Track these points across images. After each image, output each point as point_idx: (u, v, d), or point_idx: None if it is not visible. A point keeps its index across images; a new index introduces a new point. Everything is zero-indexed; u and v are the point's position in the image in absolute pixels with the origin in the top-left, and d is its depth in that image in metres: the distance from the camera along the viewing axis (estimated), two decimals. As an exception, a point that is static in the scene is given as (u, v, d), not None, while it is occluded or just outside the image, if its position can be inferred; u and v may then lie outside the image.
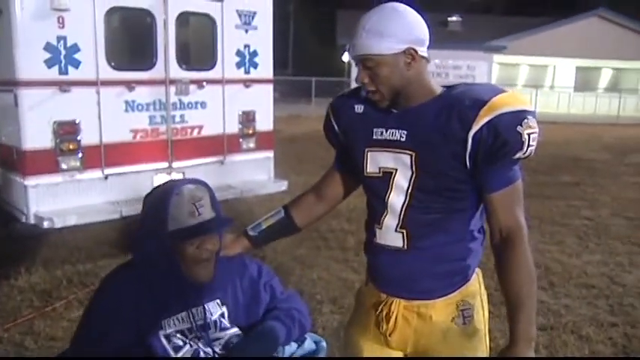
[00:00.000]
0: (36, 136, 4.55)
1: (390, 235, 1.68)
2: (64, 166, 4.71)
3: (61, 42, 4.56)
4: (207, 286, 1.71)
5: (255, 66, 5.93)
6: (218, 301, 1.76)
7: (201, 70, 5.55)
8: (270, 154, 6.17)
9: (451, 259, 1.68)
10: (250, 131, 5.92)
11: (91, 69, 4.77)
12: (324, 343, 1.88)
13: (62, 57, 4.58)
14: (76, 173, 4.79)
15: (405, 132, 1.61)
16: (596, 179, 9.77)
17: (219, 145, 5.70)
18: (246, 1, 5.70)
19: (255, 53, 5.90)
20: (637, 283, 4.93)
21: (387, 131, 1.64)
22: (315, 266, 5.05)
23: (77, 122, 4.74)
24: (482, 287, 1.77)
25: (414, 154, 1.59)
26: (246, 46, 5.80)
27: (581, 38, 26.41)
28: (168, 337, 1.65)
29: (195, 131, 5.53)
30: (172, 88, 5.28)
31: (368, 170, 1.69)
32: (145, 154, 5.21)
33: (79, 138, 4.76)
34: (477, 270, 1.75)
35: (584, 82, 29.40)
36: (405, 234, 1.65)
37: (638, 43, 27.10)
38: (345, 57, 28.72)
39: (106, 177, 4.97)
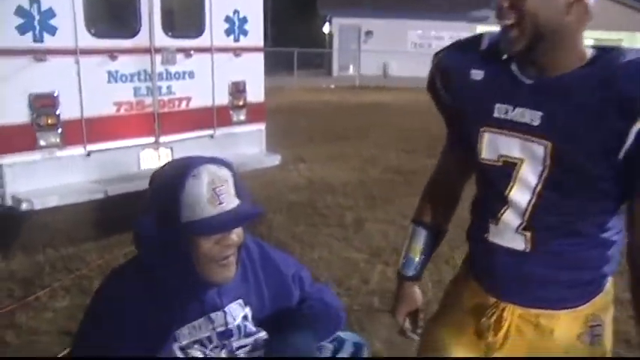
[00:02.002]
0: (11, 110, 4.15)
1: (510, 235, 1.36)
2: (42, 142, 4.32)
3: (35, 5, 4.13)
4: (227, 285, 1.42)
5: (245, 33, 5.55)
6: (240, 301, 1.47)
7: (188, 38, 5.16)
8: (262, 126, 5.83)
9: (584, 266, 1.36)
10: (241, 103, 5.56)
11: (69, 36, 4.36)
12: (365, 348, 1.60)
13: (36, 22, 4.16)
14: (55, 150, 4.41)
15: (541, 114, 1.24)
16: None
17: (209, 118, 5.34)
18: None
19: (244, 20, 5.51)
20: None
21: (514, 109, 1.28)
22: (315, 245, 4.78)
23: (55, 95, 4.35)
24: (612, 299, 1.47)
25: (549, 145, 1.24)
26: (236, 11, 5.41)
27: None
28: (184, 350, 1.36)
29: (183, 103, 5.16)
30: (158, 57, 4.89)
31: (483, 155, 1.35)
32: (130, 128, 4.83)
33: (57, 112, 4.37)
34: (611, 279, 1.44)
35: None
36: (528, 236, 1.34)
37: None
38: (326, 28, 28.19)
39: (89, 154, 4.60)
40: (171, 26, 5.03)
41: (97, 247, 4.63)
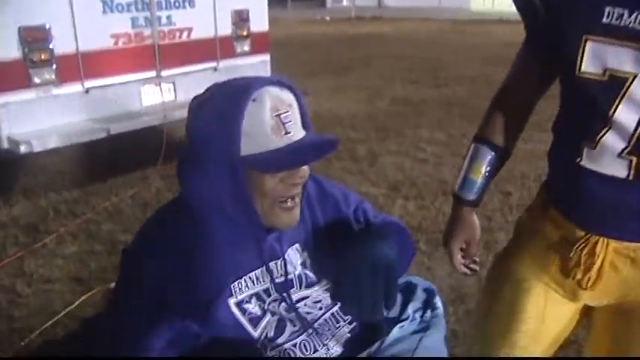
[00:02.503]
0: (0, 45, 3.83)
1: (610, 160, 1.16)
2: (36, 79, 4.02)
3: None
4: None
5: (246, -44, 5.17)
6: (297, 246, 1.25)
7: (185, -38, 4.78)
8: (267, 57, 5.51)
9: None
10: (244, 33, 5.23)
11: (58, -39, 4.00)
12: (436, 294, 1.40)
13: (21, -54, 3.79)
14: (51, 88, 4.11)
15: None
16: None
17: (212, 50, 5.02)
18: None
19: (244, -59, 5.13)
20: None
21: (631, 15, 1.05)
22: (330, 179, 4.57)
23: (47, 27, 4.01)
24: None
25: None
26: None
27: None
28: (240, 305, 1.14)
29: (185, 34, 4.83)
30: (157, -16, 4.54)
31: (583, 69, 1.12)
32: (130, 62, 4.52)
33: (51, 46, 4.04)
34: None
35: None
36: (634, 162, 1.13)
37: None
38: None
39: (87, 91, 4.31)
40: (167, -51, 4.65)
41: (102, 189, 4.42)
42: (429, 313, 1.31)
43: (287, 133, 1.07)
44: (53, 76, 4.10)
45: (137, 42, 4.55)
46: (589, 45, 1.10)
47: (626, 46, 1.06)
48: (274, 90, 1.08)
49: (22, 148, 3.87)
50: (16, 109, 3.94)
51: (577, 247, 1.25)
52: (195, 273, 1.10)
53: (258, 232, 1.14)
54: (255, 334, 1.14)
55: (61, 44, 4.10)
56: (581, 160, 1.20)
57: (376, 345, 1.19)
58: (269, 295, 1.18)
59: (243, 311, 1.14)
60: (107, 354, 1.11)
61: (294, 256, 1.24)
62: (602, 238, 1.22)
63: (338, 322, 1.23)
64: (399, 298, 1.32)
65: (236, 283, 1.14)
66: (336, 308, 1.25)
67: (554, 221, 1.31)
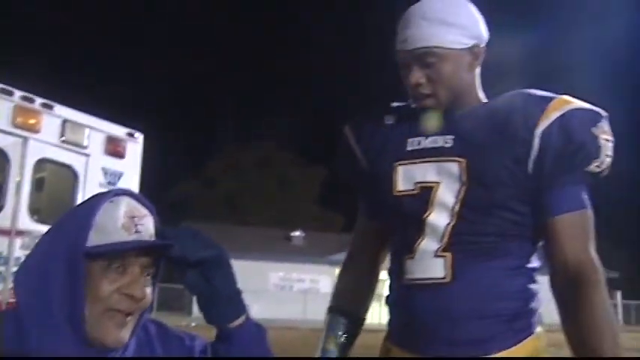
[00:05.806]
0: None
1: (428, 262, 1.28)
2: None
3: None
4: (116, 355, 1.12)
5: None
6: None
7: (55, 225, 4.87)
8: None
9: (507, 296, 1.28)
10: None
11: None
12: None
13: None
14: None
15: (452, 137, 1.31)
16: None
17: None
18: (113, 161, 5.31)
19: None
20: None
21: (426, 139, 1.33)
22: None
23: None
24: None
25: (463, 162, 1.28)
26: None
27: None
28: None
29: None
30: (18, 241, 4.52)
31: (399, 188, 1.33)
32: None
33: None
34: (542, 330, 1.34)
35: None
36: (447, 259, 1.26)
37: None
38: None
39: None
40: (37, 210, 4.76)
41: None
42: None
43: (138, 232, 1.08)
44: None
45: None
46: (400, 169, 1.34)
47: (427, 161, 1.32)
48: (133, 201, 1.12)
49: None
50: None
51: None
52: None
53: (82, 349, 1.05)
54: None
55: None
56: (405, 275, 1.31)
57: None
58: None
59: None
60: None
61: None
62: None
63: None
64: None
65: None
66: None
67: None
